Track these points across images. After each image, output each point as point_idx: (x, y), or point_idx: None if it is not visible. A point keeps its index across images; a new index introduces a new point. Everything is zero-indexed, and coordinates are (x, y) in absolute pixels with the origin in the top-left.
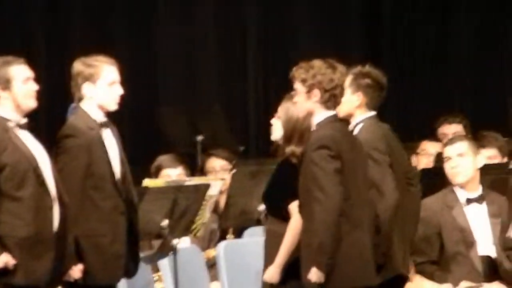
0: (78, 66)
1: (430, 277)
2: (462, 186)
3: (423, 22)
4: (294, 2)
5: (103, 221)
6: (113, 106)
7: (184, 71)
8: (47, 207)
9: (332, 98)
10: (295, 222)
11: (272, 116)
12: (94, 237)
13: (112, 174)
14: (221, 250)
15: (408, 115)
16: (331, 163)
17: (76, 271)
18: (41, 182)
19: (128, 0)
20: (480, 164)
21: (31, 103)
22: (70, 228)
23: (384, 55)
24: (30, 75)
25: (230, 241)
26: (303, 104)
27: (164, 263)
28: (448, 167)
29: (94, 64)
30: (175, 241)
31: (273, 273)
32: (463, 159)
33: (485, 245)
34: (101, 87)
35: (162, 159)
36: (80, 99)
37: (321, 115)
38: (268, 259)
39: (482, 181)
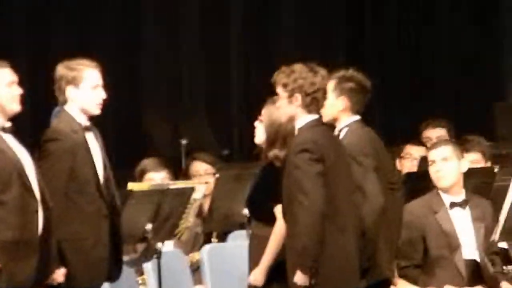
0: (61, 69)
1: (414, 281)
2: (445, 191)
3: (407, 24)
4: (279, 7)
5: (86, 224)
6: (96, 110)
7: (168, 75)
8: (32, 210)
9: (314, 101)
10: (280, 226)
11: (256, 120)
12: (76, 240)
13: (96, 177)
14: (205, 253)
15: (391, 119)
16: (314, 167)
17: (59, 275)
18: (26, 186)
19: (113, 4)
20: (464, 168)
21: (15, 107)
22: (53, 231)
23: (367, 59)
24: (14, 79)
25: (214, 245)
26: (285, 109)
27: (148, 267)
28: (432, 171)
29: (77, 68)
30: (159, 245)
31: (258, 276)
32: (447, 163)
33: (469, 249)
34: (84, 91)
35: (146, 163)
36: (64, 102)
37: (303, 119)
38: (253, 263)
39: (466, 185)
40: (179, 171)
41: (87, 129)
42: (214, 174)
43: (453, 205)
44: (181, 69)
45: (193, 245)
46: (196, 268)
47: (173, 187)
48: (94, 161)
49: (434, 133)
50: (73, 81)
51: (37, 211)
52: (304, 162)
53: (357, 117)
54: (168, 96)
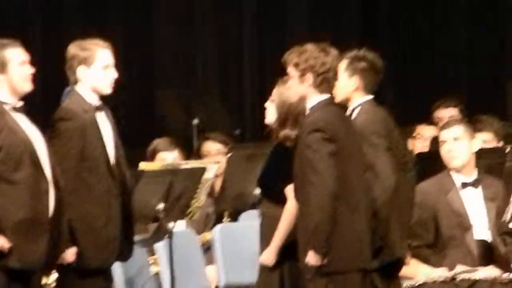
0: (73, 49)
1: (426, 260)
2: (457, 170)
3: (420, 5)
4: None
5: (96, 203)
6: (107, 89)
7: (181, 55)
8: (43, 190)
9: (325, 81)
10: (291, 205)
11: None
12: (87, 220)
13: (106, 157)
14: (216, 233)
15: (404, 99)
16: (325, 146)
17: (69, 254)
18: (37, 165)
19: None
20: (476, 148)
21: (27, 86)
22: (64, 211)
23: (380, 39)
24: (26, 58)
25: (225, 225)
26: (296, 89)
27: (160, 247)
28: (443, 151)
29: (89, 48)
30: (170, 225)
31: (269, 255)
32: (458, 143)
33: (481, 229)
34: (95, 71)
35: (158, 142)
36: (75, 82)
37: (314, 99)
38: (264, 242)
39: (478, 165)
40: (191, 151)
41: (98, 109)
42: (226, 153)
43: (465, 185)
44: (194, 49)
45: (205, 224)
46: (207, 248)
47: (184, 167)
48: (105, 141)
49: (446, 113)
50: (85, 61)
51: (47, 191)
52: (315, 142)
53: (370, 97)
54: (180, 76)
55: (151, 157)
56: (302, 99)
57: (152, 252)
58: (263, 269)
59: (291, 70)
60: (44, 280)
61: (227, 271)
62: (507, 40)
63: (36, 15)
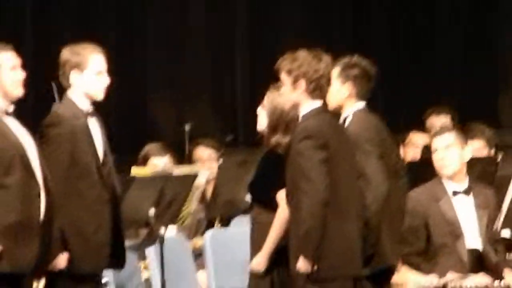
0: (66, 54)
1: (416, 268)
2: (449, 178)
3: (410, 12)
4: None
5: (87, 209)
6: (100, 95)
7: (172, 60)
8: (34, 194)
9: (318, 88)
10: (282, 212)
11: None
12: (78, 225)
13: (97, 163)
14: (207, 239)
15: (395, 107)
16: (317, 154)
17: (61, 260)
18: (28, 170)
19: None
20: (468, 156)
21: (18, 91)
22: (55, 216)
23: (371, 46)
24: (17, 62)
25: (217, 230)
26: (289, 95)
27: (151, 252)
28: (435, 159)
29: (81, 53)
30: (162, 230)
31: (260, 261)
32: (450, 151)
33: (472, 237)
34: (88, 76)
35: (150, 147)
36: (68, 87)
37: (307, 105)
38: (255, 248)
39: (469, 174)
40: (183, 156)
41: (89, 114)
42: (217, 159)
43: (456, 192)
44: (185, 54)
45: (196, 230)
46: (198, 254)
47: (176, 173)
48: (96, 147)
49: (438, 120)
50: (78, 66)
51: (39, 195)
52: (307, 149)
53: (362, 104)
54: (171, 81)
55: (143, 162)
56: (294, 106)
57: (143, 257)
58: (254, 275)
59: (283, 76)
60: (34, 285)
61: (218, 277)
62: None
63: (28, 18)
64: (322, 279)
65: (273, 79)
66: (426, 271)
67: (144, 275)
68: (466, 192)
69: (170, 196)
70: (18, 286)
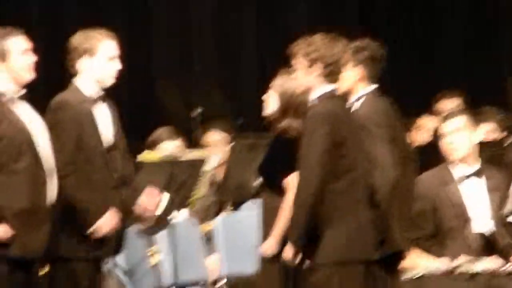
0: (77, 39)
1: (426, 252)
2: (460, 161)
3: None
4: None
5: (93, 193)
6: (110, 81)
7: (181, 44)
8: (43, 179)
9: (333, 72)
10: (291, 196)
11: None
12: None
13: (102, 149)
14: (218, 223)
15: (405, 91)
16: (324, 142)
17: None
18: (37, 155)
19: None
20: (478, 138)
21: (29, 75)
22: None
23: (379, 30)
24: (27, 46)
25: (227, 215)
26: (303, 79)
27: (161, 237)
28: (445, 143)
29: (93, 38)
30: (172, 215)
31: (270, 245)
32: (460, 134)
33: (483, 219)
34: (99, 62)
35: (161, 131)
36: (77, 72)
37: (320, 89)
38: (265, 232)
39: (481, 156)
40: (193, 141)
41: (97, 100)
42: (228, 143)
43: (467, 175)
44: (194, 38)
45: (207, 214)
46: (209, 238)
47: (186, 157)
48: (102, 132)
49: (448, 104)
50: (89, 51)
51: (44, 182)
52: (315, 136)
53: (374, 86)
54: (180, 66)
55: (154, 146)
56: (304, 90)
57: (153, 243)
58: (264, 259)
59: (299, 60)
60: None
61: (229, 261)
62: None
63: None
64: (335, 263)
65: (282, 63)
66: (436, 255)
67: (154, 260)
68: (478, 174)
69: (180, 181)
70: (28, 271)
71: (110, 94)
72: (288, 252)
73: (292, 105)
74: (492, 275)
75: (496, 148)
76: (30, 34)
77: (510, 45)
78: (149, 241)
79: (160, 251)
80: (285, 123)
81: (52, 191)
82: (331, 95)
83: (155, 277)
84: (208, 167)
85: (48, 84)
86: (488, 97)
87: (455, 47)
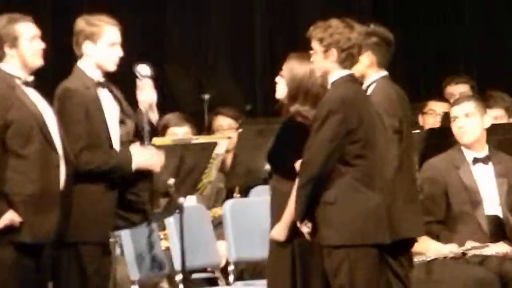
0: (80, 24)
1: (437, 236)
2: (468, 146)
3: None
4: None
5: (97, 177)
6: (111, 67)
7: (191, 29)
8: (54, 164)
9: (349, 57)
10: None
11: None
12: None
13: (107, 133)
14: (227, 208)
15: (414, 75)
16: (334, 129)
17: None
18: (48, 140)
19: None
20: (487, 124)
21: (38, 61)
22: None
23: (390, 15)
24: (37, 33)
25: (236, 200)
26: (320, 64)
27: (170, 222)
28: (455, 127)
29: (96, 24)
30: (181, 200)
31: (280, 230)
32: (470, 119)
33: (491, 204)
34: (101, 47)
35: (169, 117)
36: (80, 56)
37: (336, 74)
38: (275, 218)
39: (489, 141)
40: (202, 126)
41: (101, 85)
42: (237, 129)
43: (475, 160)
44: (205, 23)
45: (216, 200)
46: (218, 223)
47: (195, 141)
48: (106, 117)
49: (457, 89)
50: (91, 37)
51: (58, 166)
52: (326, 122)
53: (385, 73)
54: (191, 51)
55: (162, 132)
56: (325, 74)
57: (163, 227)
58: (274, 244)
59: (315, 45)
60: None
61: (238, 246)
62: None
63: None
64: (347, 246)
65: (292, 48)
66: (446, 240)
67: (164, 245)
68: (486, 160)
69: (190, 165)
70: (38, 256)
71: (121, 79)
72: (302, 229)
73: (302, 90)
74: (504, 258)
75: (507, 132)
76: (38, 21)
77: None
78: (161, 225)
79: (170, 236)
80: (294, 108)
81: (62, 175)
82: (347, 80)
83: (165, 262)
84: (218, 150)
85: (56, 72)
86: (498, 81)
87: (467, 31)
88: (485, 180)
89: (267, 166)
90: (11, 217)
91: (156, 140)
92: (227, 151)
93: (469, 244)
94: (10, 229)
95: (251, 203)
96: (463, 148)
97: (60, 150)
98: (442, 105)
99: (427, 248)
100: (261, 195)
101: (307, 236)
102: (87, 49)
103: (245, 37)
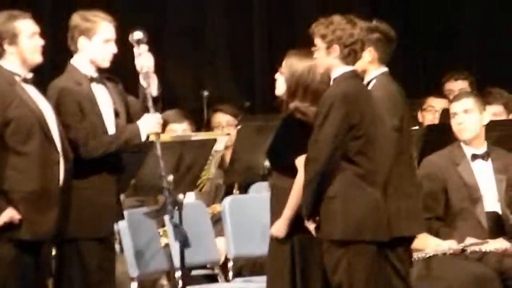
0: (76, 19)
1: (436, 233)
2: (467, 143)
3: None
4: None
5: (92, 172)
6: (105, 63)
7: (191, 25)
8: (53, 161)
9: (351, 53)
10: (301, 177)
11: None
12: (83, 189)
13: (103, 128)
14: (226, 205)
15: (414, 71)
16: (337, 125)
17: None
18: (47, 137)
19: None
20: (486, 120)
21: (37, 58)
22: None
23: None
24: (36, 29)
25: (235, 197)
26: (322, 60)
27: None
28: (454, 124)
29: (92, 20)
30: (180, 196)
31: (279, 227)
32: (469, 115)
33: (491, 201)
34: (96, 43)
35: (168, 114)
36: (75, 52)
37: (339, 70)
38: (275, 214)
39: (488, 138)
40: (201, 123)
41: (94, 80)
42: (236, 125)
43: (474, 157)
44: (203, 19)
45: (215, 196)
46: (217, 220)
47: (194, 138)
48: (102, 110)
49: (456, 85)
50: (86, 32)
51: (58, 162)
52: (328, 118)
53: (385, 69)
54: (190, 47)
55: (161, 129)
56: (327, 70)
57: (161, 224)
58: (274, 241)
59: (317, 41)
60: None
61: (237, 243)
62: None
63: None
64: (347, 243)
65: (291, 45)
66: (446, 236)
67: (163, 241)
68: (485, 157)
69: (189, 162)
70: (37, 253)
71: (120, 74)
72: (308, 225)
73: (300, 87)
74: (503, 254)
75: (506, 128)
76: (37, 18)
77: None
78: (158, 222)
79: (168, 232)
80: (293, 105)
81: (62, 172)
82: (349, 76)
83: (164, 259)
84: (217, 147)
85: (55, 69)
86: (497, 78)
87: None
88: (484, 177)
89: (267, 163)
90: (10, 214)
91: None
92: (226, 147)
93: (469, 240)
94: (9, 226)
95: (250, 200)
96: (462, 144)
97: (59, 147)
98: (441, 101)
99: (427, 244)
100: (260, 191)
101: (313, 232)
102: (82, 45)
103: (244, 34)
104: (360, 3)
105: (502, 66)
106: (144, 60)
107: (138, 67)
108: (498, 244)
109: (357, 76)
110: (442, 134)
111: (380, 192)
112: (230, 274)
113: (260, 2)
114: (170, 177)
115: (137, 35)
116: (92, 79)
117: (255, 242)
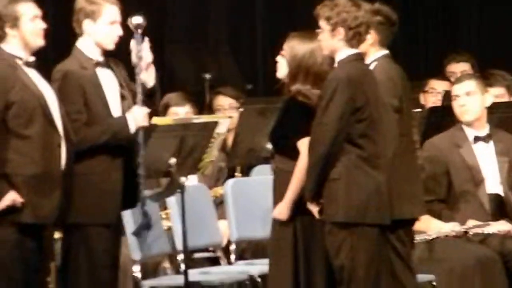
0: (80, 2)
1: (438, 215)
2: (469, 125)
3: None
4: None
5: (98, 157)
6: (110, 45)
7: (193, 9)
8: (56, 144)
9: (356, 36)
10: (303, 160)
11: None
12: (88, 174)
13: (107, 112)
14: (228, 188)
15: (415, 54)
16: (341, 109)
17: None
18: (49, 120)
19: None
20: (488, 102)
21: (39, 41)
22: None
23: None
24: (37, 13)
25: (237, 179)
26: (327, 42)
27: (172, 201)
28: (456, 106)
29: (96, 2)
30: (182, 179)
31: (282, 210)
32: (471, 97)
33: (493, 182)
34: (101, 26)
35: (170, 97)
36: (80, 35)
37: (343, 52)
38: (277, 197)
39: (490, 120)
40: (203, 106)
41: (100, 64)
42: (238, 108)
43: (476, 139)
44: (206, 3)
45: (217, 179)
46: (219, 202)
47: (197, 121)
48: (107, 94)
49: (458, 67)
50: (91, 15)
51: (60, 146)
52: (332, 101)
53: (386, 51)
54: (192, 30)
55: (163, 112)
56: (332, 53)
57: (164, 207)
58: (276, 223)
59: (322, 23)
60: (56, 235)
61: (239, 225)
62: None
63: None
64: (350, 225)
65: (293, 27)
66: (448, 219)
67: (165, 224)
68: (486, 139)
69: (191, 144)
70: (40, 237)
71: (122, 59)
72: (311, 208)
73: (302, 70)
74: (505, 236)
75: (508, 110)
76: (39, 1)
77: None
78: (162, 204)
79: (171, 215)
80: (294, 87)
81: (63, 156)
82: (353, 59)
83: (166, 242)
84: (219, 130)
85: (57, 52)
86: (499, 60)
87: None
88: (486, 159)
89: (269, 145)
90: (13, 197)
91: (157, 120)
92: (228, 130)
93: (471, 222)
94: (12, 209)
95: (252, 182)
96: (464, 126)
97: (61, 130)
98: (443, 83)
99: (429, 227)
100: (262, 174)
101: (316, 215)
102: (87, 28)
103: (246, 17)
104: None
105: (504, 48)
106: (144, 52)
107: (134, 60)
108: (500, 226)
109: (362, 59)
110: (444, 117)
111: (383, 175)
112: (233, 256)
113: None
114: (172, 160)
115: (136, 19)
116: (97, 63)
117: (257, 224)
